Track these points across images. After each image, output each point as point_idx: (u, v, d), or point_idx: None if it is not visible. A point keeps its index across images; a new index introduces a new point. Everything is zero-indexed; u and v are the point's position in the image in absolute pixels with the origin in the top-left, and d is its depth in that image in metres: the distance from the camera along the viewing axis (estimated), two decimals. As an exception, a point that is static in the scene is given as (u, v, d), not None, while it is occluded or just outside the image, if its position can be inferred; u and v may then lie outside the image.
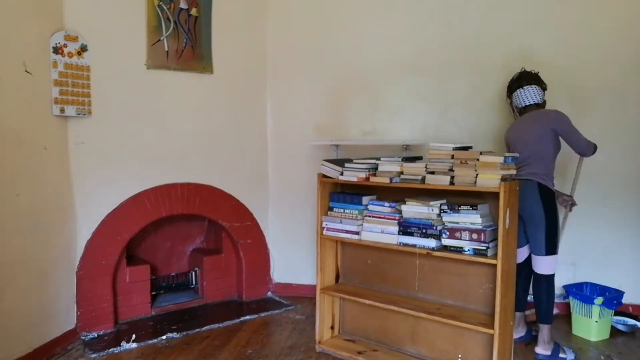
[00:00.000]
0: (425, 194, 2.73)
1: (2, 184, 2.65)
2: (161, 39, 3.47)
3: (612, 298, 3.24)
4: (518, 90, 3.13)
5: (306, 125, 4.05)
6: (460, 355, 2.71)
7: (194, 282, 4.05)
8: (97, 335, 3.27)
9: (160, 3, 3.44)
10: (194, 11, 3.61)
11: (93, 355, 3.00)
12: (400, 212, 2.73)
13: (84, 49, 3.13)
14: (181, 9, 3.55)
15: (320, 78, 4.01)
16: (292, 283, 4.15)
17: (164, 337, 3.28)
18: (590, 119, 3.52)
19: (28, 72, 2.81)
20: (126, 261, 3.55)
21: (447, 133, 3.81)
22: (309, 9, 4.00)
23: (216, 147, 3.81)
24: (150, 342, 3.21)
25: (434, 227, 2.58)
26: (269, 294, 4.17)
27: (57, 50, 3.00)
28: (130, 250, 3.68)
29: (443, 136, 3.82)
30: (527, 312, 3.35)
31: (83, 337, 3.22)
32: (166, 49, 3.50)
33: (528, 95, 3.08)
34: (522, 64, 3.62)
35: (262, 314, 3.72)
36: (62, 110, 3.05)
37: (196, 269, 4.04)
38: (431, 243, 2.59)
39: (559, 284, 3.25)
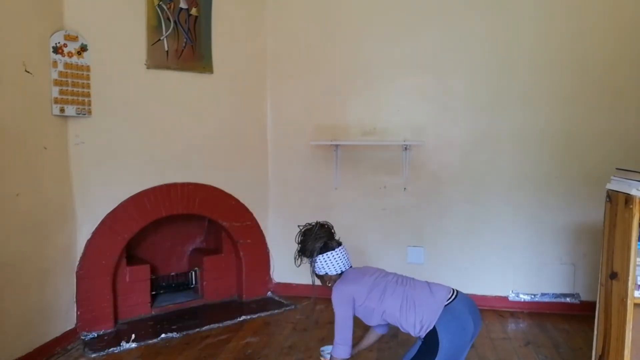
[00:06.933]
0: None
1: (2, 184, 2.65)
2: (161, 38, 3.47)
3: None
4: (329, 253, 2.32)
5: (306, 125, 4.05)
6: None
7: (194, 282, 4.04)
8: (97, 335, 3.27)
9: (160, 3, 3.44)
10: (194, 11, 3.61)
11: (93, 355, 3.00)
12: None
13: (84, 48, 3.13)
14: (181, 8, 3.55)
15: (320, 78, 4.01)
16: (292, 283, 4.15)
17: (163, 336, 3.28)
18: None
19: (28, 72, 2.81)
20: (126, 261, 3.55)
21: (447, 133, 3.82)
22: (308, 8, 4.00)
23: (216, 146, 3.81)
24: (150, 342, 3.22)
25: None
26: (269, 294, 4.17)
27: (57, 50, 3.00)
28: (130, 250, 3.67)
29: (443, 136, 3.82)
30: None
31: (83, 337, 3.22)
32: (166, 48, 3.50)
33: (342, 257, 2.34)
34: (522, 63, 3.65)
35: (262, 314, 3.72)
36: (62, 110, 3.05)
37: (196, 268, 4.04)
38: None
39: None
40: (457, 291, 2.18)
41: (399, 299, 2.16)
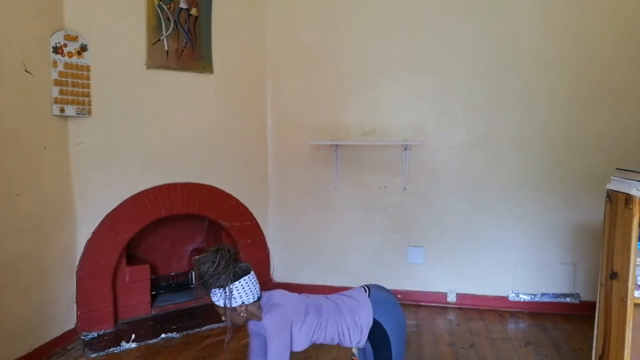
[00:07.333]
0: None
1: (2, 184, 2.65)
2: (161, 38, 3.47)
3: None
4: (246, 277, 1.91)
5: (306, 125, 4.05)
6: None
7: (194, 282, 4.04)
8: (97, 335, 3.27)
9: (160, 3, 3.44)
10: (194, 11, 3.61)
11: (93, 355, 3.00)
12: None
13: (84, 48, 3.13)
14: (181, 8, 3.55)
15: (320, 78, 4.01)
16: (292, 283, 4.14)
17: (163, 336, 3.28)
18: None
19: (28, 72, 2.81)
20: (126, 261, 3.55)
21: (447, 133, 3.82)
22: (308, 8, 4.00)
23: (216, 147, 3.81)
24: (150, 342, 3.22)
25: None
26: (269, 293, 4.16)
27: (57, 50, 3.00)
28: (130, 250, 3.68)
29: (443, 136, 3.82)
30: None
31: (83, 337, 3.22)
32: (166, 48, 3.50)
33: (256, 281, 1.97)
34: (523, 62, 3.64)
35: (262, 314, 3.71)
36: (62, 110, 3.05)
37: (196, 268, 4.04)
38: None
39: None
40: (367, 285, 2.20)
41: (334, 316, 2.04)
